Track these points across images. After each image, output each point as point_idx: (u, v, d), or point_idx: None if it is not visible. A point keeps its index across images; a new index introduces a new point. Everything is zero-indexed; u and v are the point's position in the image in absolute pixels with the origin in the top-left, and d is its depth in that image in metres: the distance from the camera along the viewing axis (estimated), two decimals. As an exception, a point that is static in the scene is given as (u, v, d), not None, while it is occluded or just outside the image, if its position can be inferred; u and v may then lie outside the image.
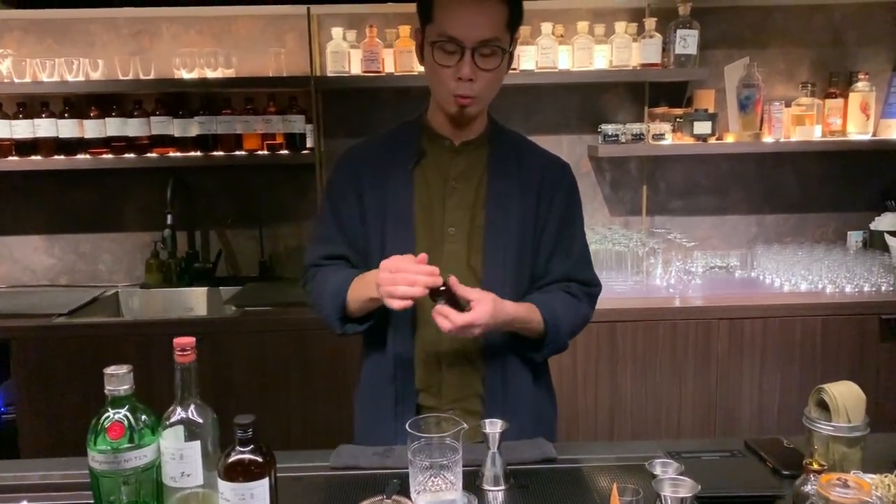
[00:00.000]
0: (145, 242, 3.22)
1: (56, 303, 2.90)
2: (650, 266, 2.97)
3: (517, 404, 1.59)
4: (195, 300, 3.13)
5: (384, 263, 1.43)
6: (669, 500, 1.13)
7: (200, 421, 1.15)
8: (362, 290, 1.52)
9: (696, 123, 3.00)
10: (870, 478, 1.18)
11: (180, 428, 1.14)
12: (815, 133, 3.07)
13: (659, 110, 3.12)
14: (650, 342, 2.69)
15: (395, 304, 1.41)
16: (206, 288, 3.12)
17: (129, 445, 1.11)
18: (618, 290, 2.84)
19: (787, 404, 2.73)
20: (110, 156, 3.01)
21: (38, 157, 3.00)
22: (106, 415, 1.11)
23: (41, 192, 3.22)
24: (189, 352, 1.14)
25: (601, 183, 3.25)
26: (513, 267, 1.58)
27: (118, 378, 1.12)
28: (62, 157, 3.01)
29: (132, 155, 3.01)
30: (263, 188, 3.22)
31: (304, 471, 1.47)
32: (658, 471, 1.23)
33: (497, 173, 1.60)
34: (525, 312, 1.54)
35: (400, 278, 1.39)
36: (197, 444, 1.13)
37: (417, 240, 1.57)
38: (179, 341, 1.14)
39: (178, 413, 1.14)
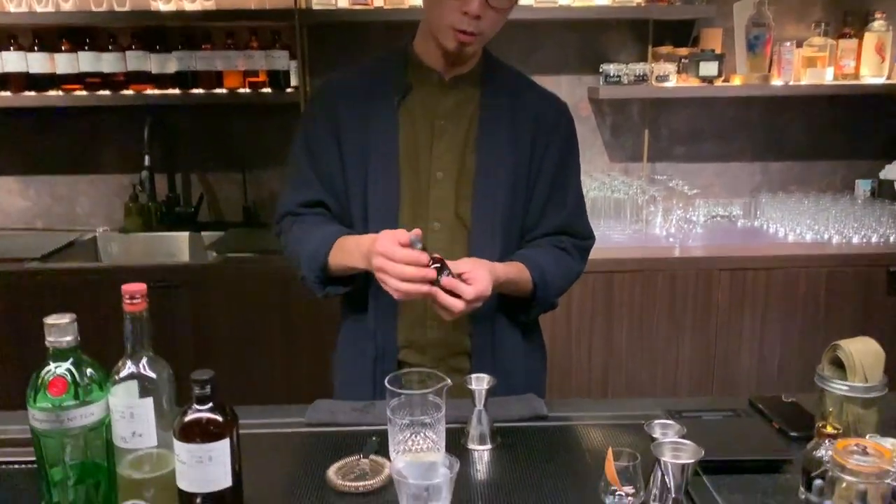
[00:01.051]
0: (124, 185, 3.08)
1: (30, 247, 2.77)
2: (650, 215, 2.84)
3: (506, 361, 1.49)
4: (177, 246, 3.01)
5: (379, 246, 1.28)
6: (670, 467, 1.03)
7: (153, 376, 1.03)
8: (345, 257, 1.39)
9: (702, 64, 2.85)
10: (890, 443, 1.08)
11: (133, 384, 1.03)
12: (827, 76, 2.92)
13: (663, 50, 2.95)
14: (648, 294, 2.58)
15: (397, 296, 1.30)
16: (187, 233, 3.00)
17: (73, 403, 1.00)
18: (616, 239, 2.72)
19: (789, 359, 2.64)
20: (84, 93, 2.85)
21: (8, 94, 2.84)
22: (47, 369, 1.00)
23: (13, 130, 3.06)
24: (139, 300, 1.03)
25: (601, 127, 3.10)
26: (503, 217, 1.46)
27: (60, 328, 1.01)
28: (33, 93, 2.85)
29: (107, 92, 2.85)
30: (246, 130, 3.07)
31: (278, 427, 1.37)
32: (657, 433, 1.13)
33: (490, 113, 1.46)
34: (515, 273, 1.42)
35: (397, 272, 1.27)
36: (149, 401, 1.02)
37: (402, 186, 1.44)
38: (128, 288, 1.02)
39: (129, 367, 1.03)
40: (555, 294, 1.50)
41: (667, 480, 1.04)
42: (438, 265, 1.28)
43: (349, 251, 1.38)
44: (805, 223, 2.80)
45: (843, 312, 2.60)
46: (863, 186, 3.12)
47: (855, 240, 2.70)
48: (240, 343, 2.60)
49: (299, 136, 1.50)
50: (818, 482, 0.87)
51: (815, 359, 2.60)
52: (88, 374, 1.01)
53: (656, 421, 1.15)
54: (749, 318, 2.61)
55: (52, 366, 1.00)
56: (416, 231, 1.28)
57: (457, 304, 1.27)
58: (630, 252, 2.61)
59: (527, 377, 1.54)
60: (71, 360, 1.01)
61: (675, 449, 1.06)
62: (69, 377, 1.00)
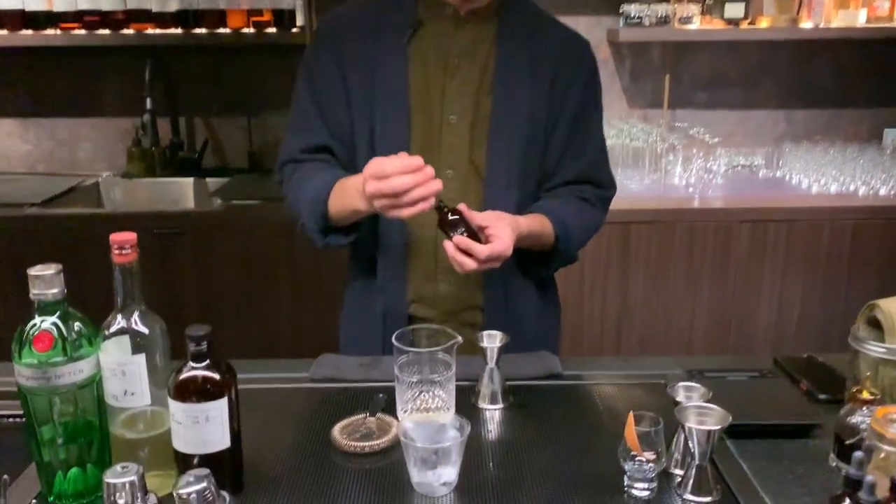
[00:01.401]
0: (126, 129, 2.99)
1: (31, 192, 2.71)
2: (669, 164, 2.74)
3: (520, 316, 1.42)
4: (181, 192, 2.94)
5: (368, 169, 1.17)
6: (695, 433, 0.96)
7: (145, 331, 0.97)
8: (345, 199, 1.28)
9: (727, 5, 2.72)
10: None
11: (124, 339, 0.97)
12: (860, 19, 2.77)
13: (687, -10, 2.80)
14: (665, 246, 2.50)
15: (403, 214, 1.18)
16: (191, 179, 2.92)
17: (61, 359, 0.94)
18: (633, 189, 2.62)
19: (809, 316, 2.57)
20: (83, 32, 2.74)
21: (4, 32, 2.74)
22: (32, 323, 0.94)
23: (10, 71, 2.97)
24: (129, 250, 0.96)
25: (620, 71, 2.97)
26: (520, 164, 1.37)
27: (45, 280, 0.94)
28: (30, 32, 2.74)
29: (106, 31, 2.75)
30: (250, 72, 2.96)
31: (281, 383, 1.32)
32: (681, 396, 1.06)
33: (507, 52, 1.36)
34: (538, 227, 1.34)
35: (391, 186, 1.14)
36: (141, 358, 0.96)
37: (413, 130, 1.35)
38: (117, 237, 0.95)
39: (119, 322, 0.97)
40: (576, 247, 1.42)
41: (690, 446, 0.98)
42: (456, 217, 1.21)
43: (349, 192, 1.27)
44: (830, 174, 2.69)
45: (869, 268, 2.51)
46: (891, 136, 2.99)
47: (882, 191, 2.60)
48: (244, 292, 2.55)
49: (301, 76, 1.41)
50: (858, 454, 0.81)
51: (837, 316, 2.55)
52: (76, 329, 0.95)
53: (680, 383, 1.08)
54: (769, 273, 2.53)
55: (37, 320, 0.94)
56: (417, 159, 1.15)
57: (468, 264, 1.20)
58: (647, 202, 2.52)
59: (540, 333, 1.48)
60: (58, 313, 0.95)
61: (701, 414, 1.00)
62: (55, 332, 0.94)
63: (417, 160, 1.15)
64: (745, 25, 2.73)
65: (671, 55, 2.96)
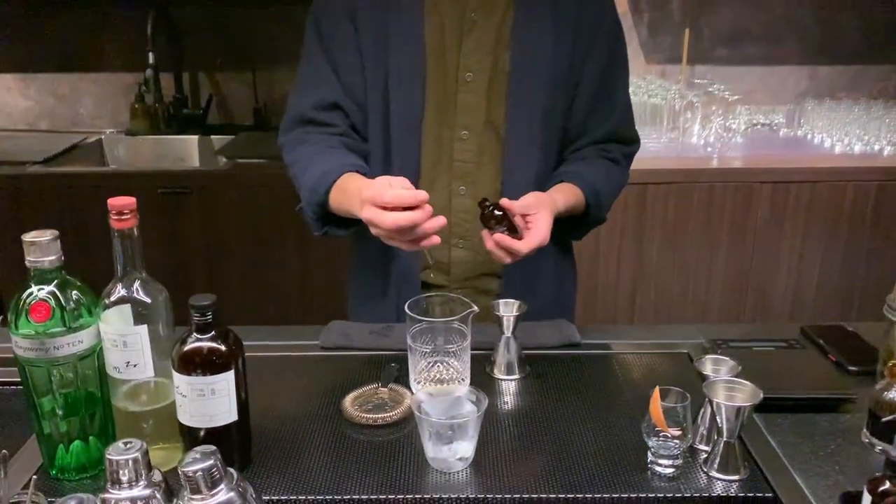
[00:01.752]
0: (129, 84, 2.92)
1: (32, 149, 2.65)
2: (687, 122, 2.66)
3: (538, 284, 1.37)
4: (185, 150, 2.88)
5: (366, 193, 1.09)
6: (724, 409, 0.92)
7: (147, 300, 0.92)
8: (345, 201, 1.21)
9: (752, -45, 2.59)
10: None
11: (126, 308, 0.92)
12: (890, -30, 2.66)
13: (710, -61, 2.69)
14: (683, 207, 2.44)
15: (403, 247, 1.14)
16: (196, 136, 2.86)
17: (59, 329, 0.89)
18: (650, 148, 2.55)
19: (829, 280, 2.51)
20: (82, -17, 2.66)
21: (0, -17, 2.66)
22: (28, 292, 0.89)
23: (10, 26, 2.88)
24: (129, 215, 0.90)
25: (638, 25, 2.86)
26: (542, 124, 1.30)
27: (41, 247, 0.89)
28: (28, -17, 2.66)
29: (107, -17, 2.66)
30: (256, 25, 2.87)
31: (290, 350, 1.27)
32: (708, 370, 1.01)
33: (527, 6, 1.27)
34: (573, 200, 1.29)
35: (388, 224, 1.07)
36: (143, 328, 0.92)
37: (428, 88, 1.27)
38: (116, 202, 0.90)
39: (119, 291, 0.92)
40: (606, 210, 1.37)
41: (718, 422, 0.94)
42: (500, 213, 1.16)
43: (350, 195, 1.19)
44: (854, 132, 2.61)
45: (892, 230, 2.44)
46: (918, 93, 2.89)
47: (908, 151, 2.52)
48: (251, 253, 2.51)
49: (311, 30, 1.32)
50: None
51: (858, 280, 2.49)
52: (75, 298, 0.91)
53: (707, 356, 1.03)
54: (789, 235, 2.46)
55: (33, 288, 0.89)
56: (423, 194, 1.08)
57: (506, 259, 1.17)
58: (665, 162, 2.45)
59: (557, 300, 1.43)
60: (55, 282, 0.90)
61: (730, 389, 0.95)
62: (53, 301, 0.89)
63: (420, 196, 1.07)
64: (769, -23, 2.62)
65: (691, 9, 2.85)
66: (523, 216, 1.18)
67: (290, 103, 1.36)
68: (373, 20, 1.28)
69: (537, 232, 1.16)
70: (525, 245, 1.15)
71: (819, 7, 2.85)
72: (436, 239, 1.10)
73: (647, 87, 2.67)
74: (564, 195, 1.27)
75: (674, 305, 2.52)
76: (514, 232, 1.17)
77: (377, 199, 1.08)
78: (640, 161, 2.33)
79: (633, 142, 1.41)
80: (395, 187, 1.08)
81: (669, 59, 2.90)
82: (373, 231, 1.12)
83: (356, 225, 1.27)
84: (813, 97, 2.89)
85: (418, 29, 1.27)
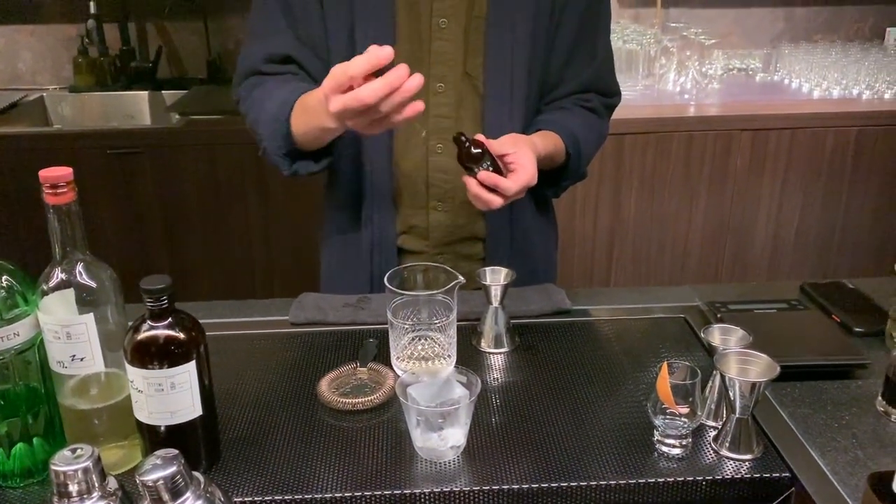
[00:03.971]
0: (70, 37, 2.71)
1: (-34, 109, 2.46)
2: (662, 68, 2.56)
3: (522, 245, 1.28)
4: (135, 106, 2.70)
5: (328, 80, 0.95)
6: (738, 385, 0.84)
7: (92, 284, 0.81)
8: (310, 118, 1.07)
9: None
10: None
11: (68, 294, 0.80)
12: None
13: None
14: (661, 157, 2.36)
15: (382, 128, 0.99)
16: (146, 92, 2.68)
17: (-10, 321, 0.78)
18: (626, 96, 2.40)
19: (809, 226, 2.46)
20: (11, -75, 2.43)
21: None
22: (-50, 280, 0.77)
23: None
24: (65, 188, 0.78)
25: (611, -34, 2.74)
26: (522, 73, 1.19)
27: (-38, 227, 0.77)
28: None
29: (38, -76, 2.44)
30: (206, -31, 2.68)
31: (257, 328, 1.17)
32: (717, 340, 0.94)
33: None
34: (552, 147, 1.17)
35: (359, 99, 0.92)
36: (89, 317, 0.80)
37: (398, 36, 1.15)
38: (49, 174, 0.77)
39: (58, 275, 0.80)
40: (587, 163, 1.27)
41: (731, 398, 0.86)
42: (479, 150, 1.04)
43: (312, 108, 1.06)
44: (832, 77, 2.54)
45: (872, 178, 2.40)
46: (894, 35, 2.83)
47: (888, 95, 2.46)
48: (211, 217, 2.37)
49: None
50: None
51: (837, 225, 2.45)
52: (6, 286, 0.79)
53: (715, 325, 0.96)
54: (769, 183, 2.40)
55: (-44, 276, 0.77)
56: (403, 67, 0.93)
57: (495, 201, 1.04)
58: (641, 111, 2.36)
59: (542, 260, 1.35)
60: (-19, 267, 0.78)
61: (743, 362, 0.88)
62: (-20, 290, 0.77)
63: (386, 51, 0.92)
64: (747, -88, 2.51)
65: (666, -53, 2.73)
66: (502, 157, 1.06)
67: (241, 56, 1.23)
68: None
69: (524, 170, 1.04)
70: (514, 183, 1.03)
71: (796, -56, 2.76)
72: (419, 105, 0.95)
73: (621, 32, 2.56)
74: (543, 140, 1.16)
75: (652, 257, 2.46)
76: (497, 170, 1.04)
77: (339, 78, 0.93)
78: (617, 110, 2.23)
79: (613, 94, 1.31)
80: (355, 60, 0.93)
81: (643, 2, 2.78)
82: (349, 124, 0.98)
83: (328, 156, 1.16)
84: (789, 40, 2.81)
85: (386, -29, 1.14)
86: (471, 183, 1.05)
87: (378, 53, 0.91)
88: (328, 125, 1.02)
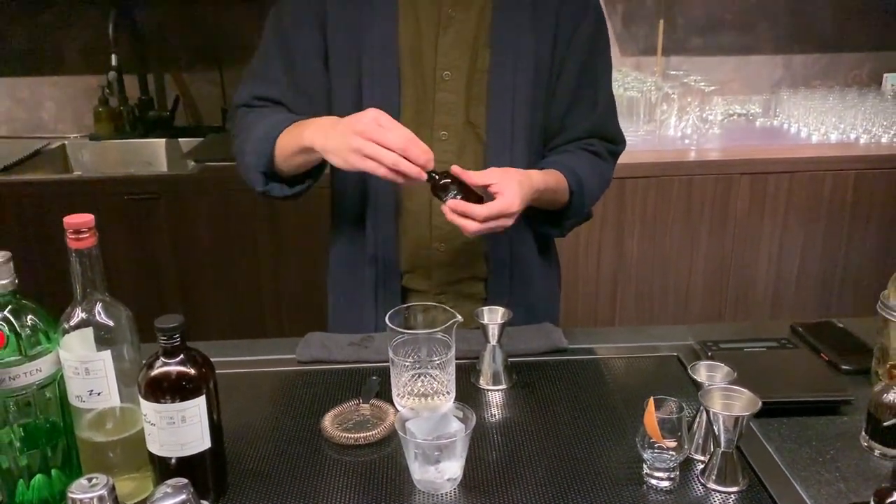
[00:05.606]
0: (91, 87, 2.82)
1: (-8, 156, 2.56)
2: (664, 114, 2.63)
3: (524, 284, 1.33)
4: (153, 153, 2.79)
5: (364, 118, 1.05)
6: (721, 419, 0.88)
7: (110, 323, 0.87)
8: (303, 135, 1.13)
9: (725, -56, 2.57)
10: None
11: (87, 333, 0.86)
12: (861, -43, 2.65)
13: (683, -72, 2.66)
14: (662, 200, 2.41)
15: (379, 171, 1.07)
16: (164, 140, 2.78)
17: (15, 358, 0.83)
18: (628, 141, 2.46)
19: (809, 269, 2.50)
20: (38, -18, 2.56)
21: (-47, -15, 2.55)
22: (-21, 319, 0.83)
23: (-36, 27, 2.78)
24: (87, 234, 0.84)
25: (612, 17, 2.83)
26: (524, 123, 1.25)
27: (-8, 270, 0.83)
28: (-18, -16, 2.55)
29: (65, -18, 2.56)
30: (221, 23, 2.79)
31: (266, 366, 1.22)
32: (703, 377, 0.98)
33: (506, 1, 1.23)
34: (553, 182, 1.22)
35: (376, 152, 1.03)
36: (107, 354, 0.86)
37: (403, 88, 1.22)
38: (73, 220, 0.84)
39: (80, 314, 0.86)
40: (591, 203, 1.32)
41: (716, 432, 0.90)
42: (446, 180, 1.10)
43: (309, 124, 1.14)
44: (830, 121, 2.60)
45: (872, 220, 2.44)
46: (891, 80, 2.89)
47: (884, 139, 2.51)
48: (223, 260, 2.43)
49: (271, 24, 1.27)
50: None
51: (838, 270, 2.48)
52: (31, 324, 0.84)
53: (701, 362, 1.00)
54: (769, 226, 2.45)
55: (-15, 315, 0.83)
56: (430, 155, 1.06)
57: (469, 226, 1.09)
58: (643, 156, 2.42)
59: (543, 300, 1.39)
60: (9, 307, 0.84)
61: (727, 397, 0.92)
62: (6, 328, 0.83)
63: (428, 156, 1.06)
64: (742, -34, 2.60)
65: (665, -1, 2.82)
66: (486, 187, 1.11)
67: (236, 92, 1.31)
68: (344, 22, 1.22)
69: (501, 198, 1.09)
70: (483, 209, 1.08)
71: (791, -5, 2.84)
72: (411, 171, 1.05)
73: (622, 79, 2.63)
74: (544, 175, 1.21)
75: (655, 298, 2.49)
76: (472, 198, 1.10)
77: (371, 132, 1.03)
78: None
79: (617, 141, 1.37)
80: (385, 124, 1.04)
81: (644, 51, 2.88)
82: (353, 143, 1.04)
83: (301, 185, 1.25)
84: (788, 86, 2.88)
85: (392, 27, 1.22)
86: (445, 211, 1.10)
87: (420, 152, 1.04)
88: (316, 142, 1.10)
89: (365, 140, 1.03)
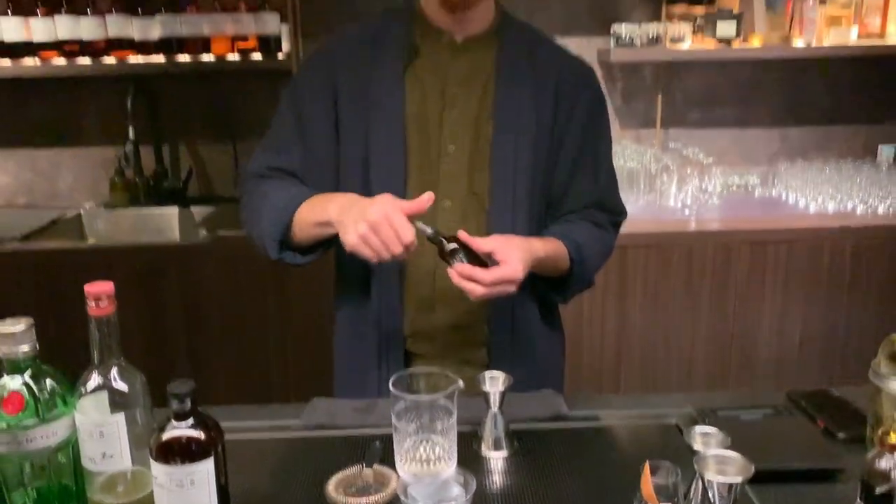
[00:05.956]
0: (108, 158, 2.92)
1: (10, 225, 2.63)
2: (663, 185, 2.70)
3: (526, 352, 1.36)
4: (166, 222, 2.86)
5: (375, 210, 1.13)
6: (715, 485, 0.90)
7: (124, 388, 0.90)
8: (328, 206, 1.21)
9: (719, 24, 2.68)
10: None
11: (102, 397, 0.90)
12: (851, 36, 2.75)
13: (678, 9, 2.78)
14: (663, 270, 2.45)
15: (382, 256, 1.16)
16: (176, 209, 2.85)
17: (33, 421, 0.87)
18: (628, 211, 2.55)
19: (811, 338, 2.52)
20: (62, 61, 2.68)
21: (-18, 63, 2.67)
22: (1, 383, 0.87)
23: (-14, 100, 2.90)
24: (106, 302, 0.89)
25: (612, 92, 2.93)
26: (526, 192, 1.31)
27: (15, 337, 0.87)
28: (8, 61, 2.67)
29: (87, 60, 2.68)
30: (236, 98, 2.90)
31: (272, 431, 1.24)
32: (698, 443, 1.00)
33: (507, 78, 1.31)
34: (553, 250, 1.28)
35: (377, 249, 1.13)
36: (121, 417, 0.89)
37: (409, 160, 1.29)
38: (93, 289, 0.88)
39: (96, 379, 0.90)
40: (592, 270, 1.37)
41: (711, 497, 0.92)
42: (453, 245, 1.15)
43: (335, 198, 1.23)
44: (827, 192, 2.66)
45: (871, 287, 2.47)
46: (886, 152, 2.96)
47: (880, 209, 2.56)
48: (234, 328, 2.47)
49: (287, 99, 1.35)
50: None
51: (840, 338, 2.50)
52: (49, 388, 0.88)
53: (696, 428, 1.02)
54: (769, 295, 2.48)
55: (6, 379, 0.87)
56: (429, 195, 1.14)
57: (476, 290, 1.14)
58: (643, 226, 2.47)
59: (546, 367, 1.42)
60: (29, 371, 0.88)
61: (721, 463, 0.94)
62: (26, 392, 0.87)
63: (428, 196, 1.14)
64: (737, 44, 2.70)
65: (663, 74, 2.93)
66: (490, 254, 1.17)
67: (252, 158, 1.38)
68: (354, 98, 1.30)
69: (506, 265, 1.15)
70: (489, 274, 1.13)
71: (785, 71, 2.94)
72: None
73: (622, 151, 2.71)
74: (544, 244, 1.27)
75: (659, 365, 2.51)
76: (478, 262, 1.15)
77: (378, 228, 1.12)
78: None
79: (619, 212, 1.43)
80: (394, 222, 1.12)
81: (643, 124, 2.97)
82: (361, 228, 1.12)
83: (313, 254, 1.31)
84: (785, 158, 2.96)
85: (399, 105, 1.29)
86: (451, 274, 1.15)
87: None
88: (332, 217, 1.18)
89: (371, 234, 1.11)
